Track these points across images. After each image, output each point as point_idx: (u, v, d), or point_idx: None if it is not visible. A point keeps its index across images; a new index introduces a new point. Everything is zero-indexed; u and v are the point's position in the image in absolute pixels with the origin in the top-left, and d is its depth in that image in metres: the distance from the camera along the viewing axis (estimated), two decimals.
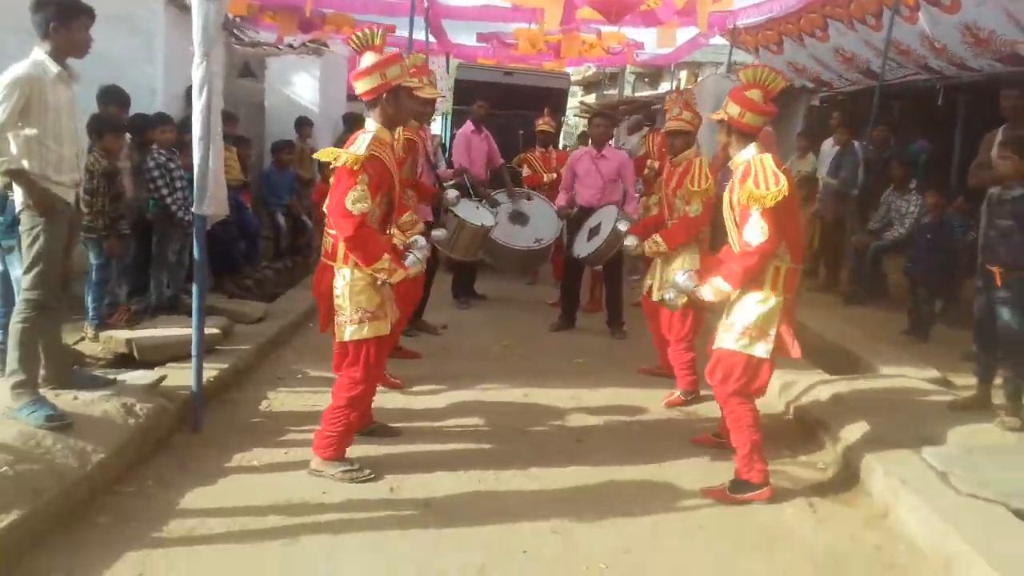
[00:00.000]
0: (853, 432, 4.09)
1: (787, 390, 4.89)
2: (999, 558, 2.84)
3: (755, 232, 3.42)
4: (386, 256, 3.38)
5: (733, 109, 3.54)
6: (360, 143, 3.37)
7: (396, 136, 4.66)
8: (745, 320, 3.55)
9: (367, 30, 3.49)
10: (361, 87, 3.47)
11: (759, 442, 3.62)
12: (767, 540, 3.28)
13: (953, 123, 9.06)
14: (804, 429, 4.54)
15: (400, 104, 3.52)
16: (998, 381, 4.37)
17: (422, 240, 3.84)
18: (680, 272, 4.13)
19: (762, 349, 3.53)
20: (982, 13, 6.66)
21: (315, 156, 3.50)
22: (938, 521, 3.17)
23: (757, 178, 3.39)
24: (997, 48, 6.97)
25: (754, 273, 3.50)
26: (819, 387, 4.77)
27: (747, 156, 3.53)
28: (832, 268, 7.93)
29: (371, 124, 3.51)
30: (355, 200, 3.28)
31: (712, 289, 3.66)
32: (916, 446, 3.84)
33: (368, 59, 3.46)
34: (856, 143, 7.92)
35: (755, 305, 3.53)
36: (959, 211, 6.26)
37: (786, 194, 3.34)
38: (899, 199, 7.02)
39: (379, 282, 3.46)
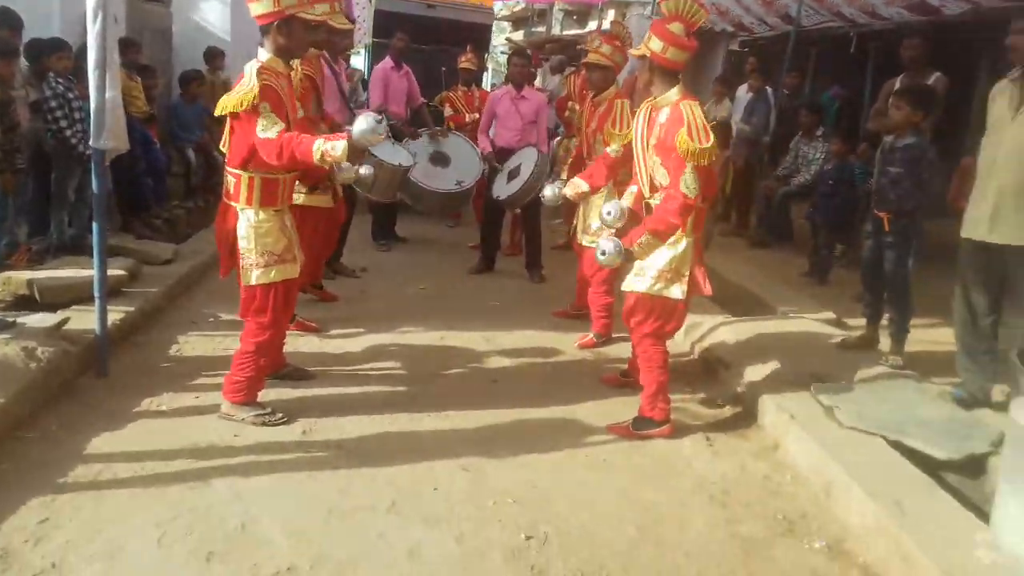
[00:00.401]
0: (751, 371, 4.32)
1: (692, 331, 5.10)
2: (872, 483, 3.10)
3: (691, 185, 3.43)
4: (318, 140, 3.13)
5: (655, 44, 3.45)
6: (249, 77, 3.22)
7: (294, 69, 4.43)
8: (659, 263, 3.60)
9: None
10: (254, 10, 3.30)
11: (665, 383, 3.78)
12: (666, 472, 3.47)
13: (864, 70, 9.34)
14: (706, 368, 4.76)
15: (293, 35, 3.35)
16: (885, 322, 4.67)
17: (362, 121, 3.27)
18: (609, 203, 3.96)
19: (677, 291, 3.62)
20: None
21: (215, 114, 3.35)
22: (821, 452, 3.42)
23: (691, 130, 3.36)
24: None
25: (683, 223, 3.52)
26: (722, 328, 4.99)
27: (673, 98, 3.51)
28: (742, 213, 8.20)
29: (263, 54, 3.36)
30: (265, 128, 3.17)
31: (642, 247, 3.56)
32: (807, 383, 4.09)
33: None
34: (769, 89, 8.12)
35: (667, 248, 3.59)
36: (862, 158, 6.53)
37: (716, 152, 3.40)
38: (806, 145, 7.26)
39: (329, 162, 3.16)
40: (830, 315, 5.33)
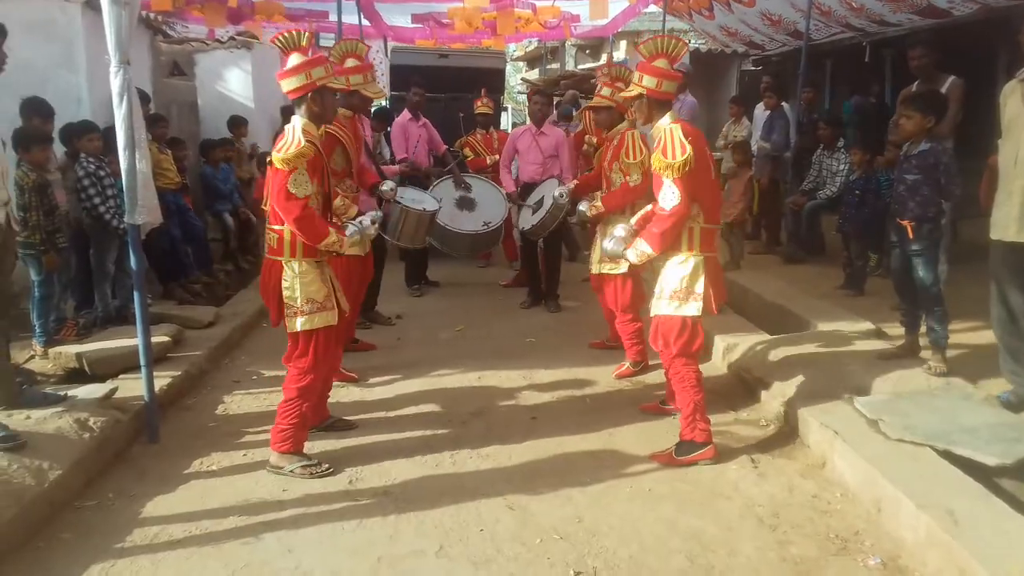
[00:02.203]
0: (791, 388, 4.29)
1: (730, 352, 5.08)
2: (923, 495, 3.05)
3: (668, 197, 3.61)
4: (332, 230, 3.55)
5: (650, 81, 3.69)
6: (293, 134, 3.49)
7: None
8: (671, 284, 3.73)
9: (294, 32, 3.58)
10: (287, 86, 3.59)
11: (702, 402, 3.79)
12: (712, 497, 3.45)
13: (883, 78, 9.31)
14: (746, 388, 4.73)
15: (325, 103, 3.66)
16: (924, 329, 4.60)
17: (366, 219, 3.95)
18: (620, 226, 4.16)
19: (693, 308, 3.71)
20: None
21: (269, 161, 3.59)
22: (868, 467, 3.37)
23: (665, 148, 3.56)
24: (913, 2, 7.20)
25: (673, 234, 3.68)
26: (759, 347, 4.96)
27: (665, 124, 3.69)
28: (772, 230, 8.16)
29: (297, 120, 3.61)
30: (296, 184, 3.44)
31: (636, 252, 3.83)
32: (849, 397, 4.05)
33: (294, 59, 3.57)
34: (786, 105, 8.13)
35: (677, 267, 3.73)
36: (886, 165, 6.48)
37: (692, 162, 3.51)
38: (829, 158, 7.23)
39: (333, 252, 3.63)
40: (869, 326, 5.27)
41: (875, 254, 6.54)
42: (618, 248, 3.96)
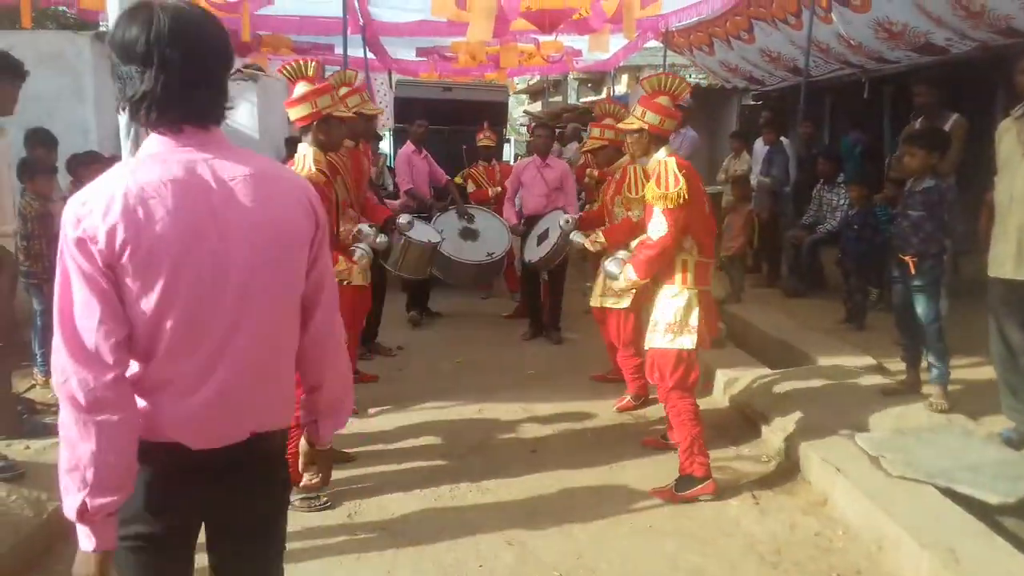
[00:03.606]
0: (792, 423, 4.28)
1: (730, 386, 5.07)
2: (925, 533, 3.03)
3: (657, 227, 3.67)
4: (340, 259, 3.61)
5: (652, 118, 3.73)
6: (303, 161, 3.58)
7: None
8: (665, 317, 3.75)
9: (301, 61, 3.66)
10: (293, 114, 3.68)
11: (700, 435, 3.78)
12: (713, 534, 3.43)
13: (881, 114, 9.40)
14: (747, 423, 4.72)
15: (331, 132, 3.74)
16: (926, 364, 4.60)
17: (365, 227, 4.02)
18: (620, 252, 4.26)
19: (688, 341, 3.72)
20: (893, 8, 6.97)
21: None
22: (870, 504, 3.36)
23: (659, 179, 3.62)
24: (911, 40, 7.30)
25: (658, 263, 3.73)
26: (760, 382, 4.96)
27: (661, 158, 3.75)
28: (772, 264, 8.19)
29: (305, 148, 3.69)
30: None
31: (624, 276, 3.89)
32: (851, 433, 4.04)
33: (300, 89, 3.65)
34: (784, 140, 8.21)
35: (670, 300, 3.75)
36: (885, 201, 6.53)
37: (685, 194, 3.56)
38: (829, 192, 7.28)
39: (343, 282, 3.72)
40: (870, 361, 5.27)
41: (876, 288, 6.56)
42: (615, 270, 4.02)
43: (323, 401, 1.83)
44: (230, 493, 1.66)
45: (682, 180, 3.56)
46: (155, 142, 1.55)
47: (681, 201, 3.56)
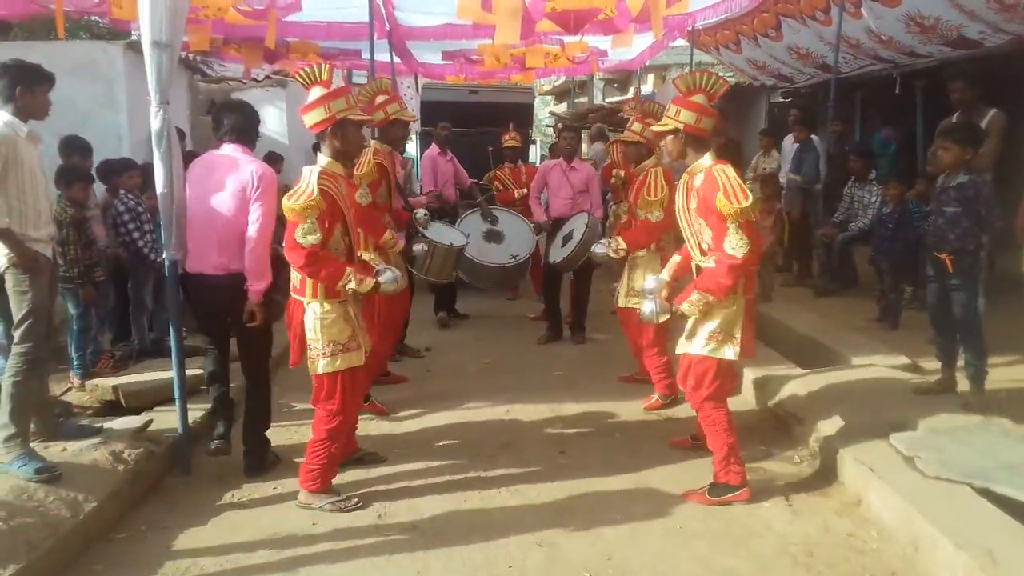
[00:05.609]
0: (825, 424, 4.22)
1: (761, 387, 5.02)
2: (961, 534, 2.97)
3: (737, 246, 3.43)
4: (348, 270, 3.45)
5: (688, 116, 3.56)
6: (307, 181, 3.44)
7: (366, 160, 4.82)
8: (710, 325, 3.62)
9: (314, 65, 3.60)
10: (308, 120, 3.57)
11: (735, 444, 3.71)
12: (745, 536, 3.39)
13: (913, 109, 9.24)
14: (779, 424, 4.66)
15: (346, 137, 3.59)
16: (961, 363, 4.51)
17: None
18: (650, 277, 4.14)
19: (730, 351, 3.61)
20: (925, 2, 6.85)
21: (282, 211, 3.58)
22: (905, 505, 3.30)
23: (727, 192, 3.41)
24: (944, 34, 7.17)
25: (739, 283, 3.55)
26: (792, 382, 4.90)
27: (706, 164, 3.59)
28: (803, 262, 8.09)
29: (321, 158, 3.60)
30: (304, 233, 3.37)
31: (693, 305, 3.59)
32: (885, 433, 3.96)
33: (314, 93, 3.54)
34: (815, 137, 8.10)
35: (719, 307, 3.60)
36: (918, 196, 6.42)
37: (757, 211, 3.46)
38: (860, 190, 7.18)
39: (351, 289, 3.50)
40: (904, 360, 5.18)
41: (910, 287, 6.45)
42: (656, 307, 3.72)
43: None
44: None
45: (749, 192, 3.41)
46: None
47: (755, 216, 3.47)
